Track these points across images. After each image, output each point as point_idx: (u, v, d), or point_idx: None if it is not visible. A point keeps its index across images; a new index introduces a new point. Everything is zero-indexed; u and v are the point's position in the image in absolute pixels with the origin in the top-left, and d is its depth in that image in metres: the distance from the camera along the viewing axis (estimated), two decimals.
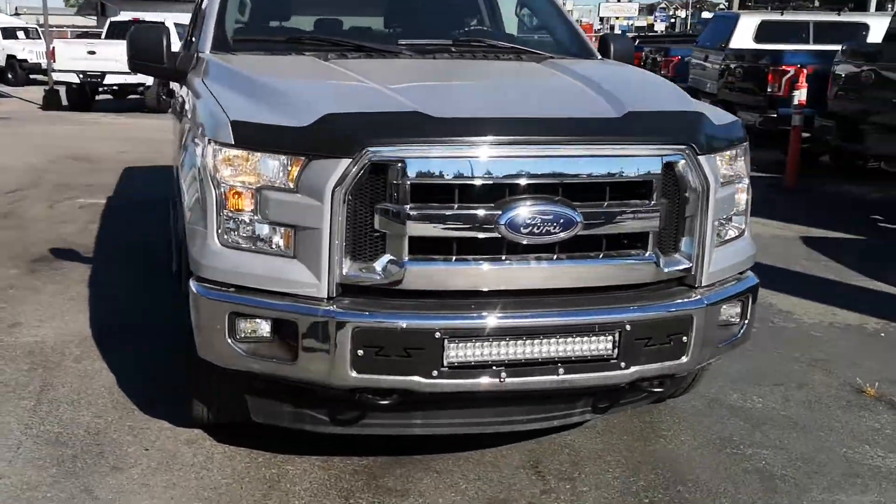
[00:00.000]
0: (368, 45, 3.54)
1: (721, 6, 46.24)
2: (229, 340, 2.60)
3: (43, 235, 5.99)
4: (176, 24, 17.01)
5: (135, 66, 3.78)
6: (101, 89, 16.04)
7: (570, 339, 2.57)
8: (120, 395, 3.44)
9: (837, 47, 9.03)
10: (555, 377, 2.58)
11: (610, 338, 2.60)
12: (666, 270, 2.70)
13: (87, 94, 15.98)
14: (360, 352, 2.47)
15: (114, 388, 3.51)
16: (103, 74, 15.39)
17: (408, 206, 2.45)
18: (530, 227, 2.50)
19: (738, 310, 2.91)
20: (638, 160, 2.62)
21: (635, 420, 3.40)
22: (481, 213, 2.48)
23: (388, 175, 2.46)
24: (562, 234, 2.53)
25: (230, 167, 2.60)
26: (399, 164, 2.44)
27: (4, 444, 3.03)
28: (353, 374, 2.49)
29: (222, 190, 2.61)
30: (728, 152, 2.86)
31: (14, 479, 2.81)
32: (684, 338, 2.70)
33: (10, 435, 3.09)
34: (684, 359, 2.72)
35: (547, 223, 2.51)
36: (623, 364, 2.62)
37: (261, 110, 2.67)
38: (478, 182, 2.49)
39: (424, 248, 2.50)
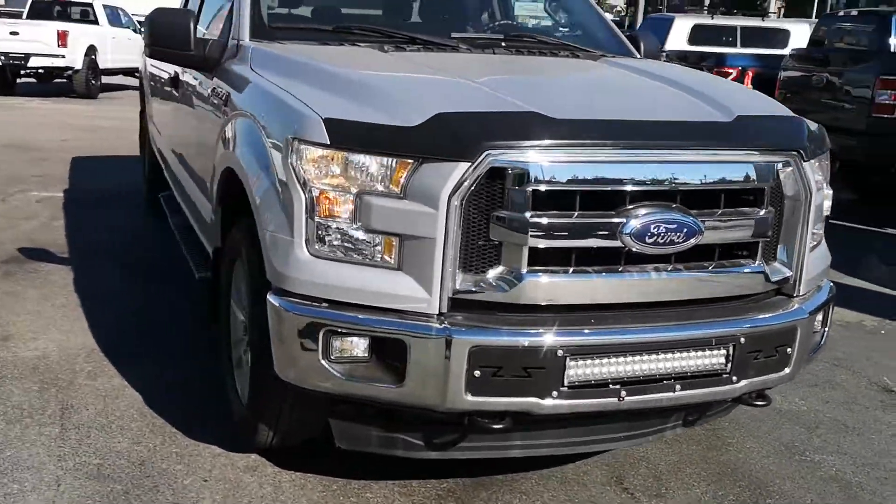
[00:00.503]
0: (424, 38, 3.30)
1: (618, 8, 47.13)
2: (323, 361, 2.35)
3: (4, 234, 5.49)
4: (105, 7, 16.21)
5: (154, 53, 3.45)
6: (23, 72, 15.04)
7: (686, 354, 2.43)
8: (154, 417, 3.13)
9: (764, 51, 9.35)
10: (671, 394, 2.44)
11: (724, 351, 2.47)
12: (773, 280, 2.60)
13: (8, 78, 14.95)
14: (477, 373, 2.26)
15: (143, 408, 3.19)
16: (27, 56, 14.41)
17: (529, 214, 2.25)
18: (654, 237, 2.34)
19: (821, 317, 2.84)
20: (750, 166, 2.50)
21: (697, 428, 3.31)
22: (605, 221, 2.32)
23: (507, 180, 2.25)
24: (684, 244, 2.38)
25: (322, 169, 2.35)
26: (520, 169, 2.25)
27: (41, 481, 2.68)
28: (469, 397, 2.28)
29: (313, 194, 2.35)
30: (822, 158, 2.78)
31: None
32: (789, 349, 2.60)
33: (45, 469, 2.75)
34: (787, 370, 2.62)
35: (670, 232, 2.36)
36: (735, 378, 2.50)
37: (353, 107, 2.42)
38: (601, 188, 2.32)
39: (542, 260, 2.32)
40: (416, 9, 3.97)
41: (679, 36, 12.78)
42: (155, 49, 3.41)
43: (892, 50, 10.74)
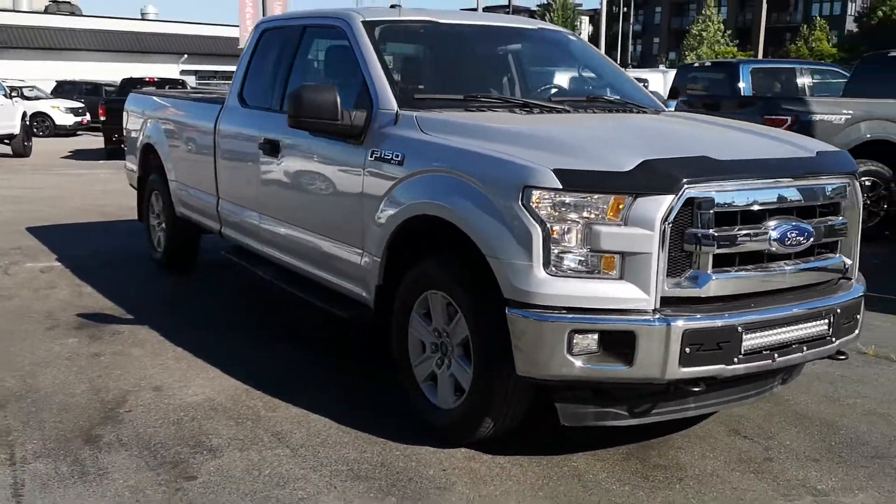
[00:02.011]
0: (535, 102, 4.12)
1: None
2: (567, 356, 3.08)
3: (43, 304, 5.68)
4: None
5: (300, 124, 4.03)
6: None
7: (808, 324, 3.36)
8: (357, 432, 3.67)
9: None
10: (801, 354, 3.36)
11: (827, 320, 3.42)
12: (845, 268, 3.60)
13: None
14: (687, 349, 3.08)
15: (341, 426, 3.72)
16: None
17: (712, 230, 3.11)
18: (788, 240, 3.27)
19: None
20: (832, 186, 3.50)
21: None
22: (758, 231, 3.22)
23: (695, 206, 3.10)
24: (804, 244, 3.33)
25: (556, 207, 3.09)
26: (706, 197, 3.11)
27: (318, 487, 3.21)
28: (681, 368, 3.09)
29: (548, 226, 3.09)
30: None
31: None
32: (858, 316, 3.60)
33: (310, 479, 3.26)
34: (856, 331, 3.63)
35: (798, 236, 3.29)
36: (833, 339, 3.47)
37: (566, 158, 3.18)
38: (755, 208, 3.22)
39: (719, 263, 3.18)
40: (504, 80, 4.81)
41: None
42: (301, 120, 4.00)
43: (741, 94, 12.64)
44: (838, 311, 3.45)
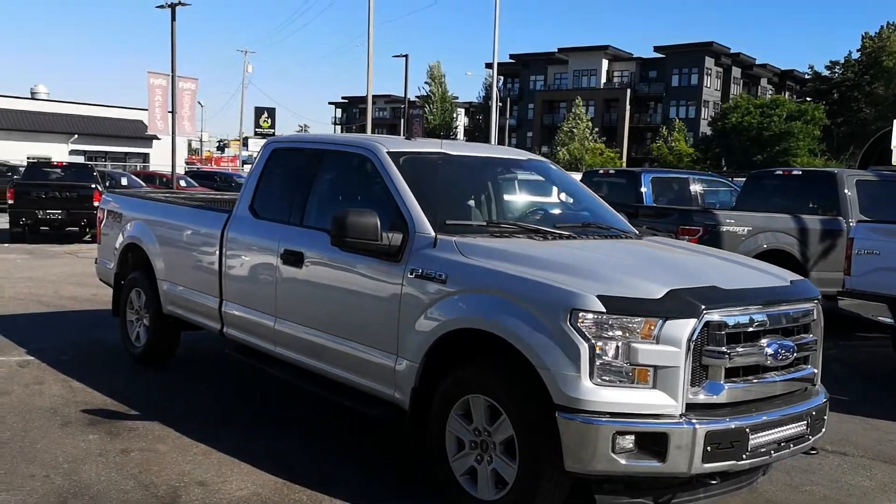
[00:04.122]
0: (546, 230, 4.77)
1: None
2: (611, 454, 3.65)
3: (41, 401, 5.77)
4: None
5: (343, 243, 4.52)
6: None
7: (794, 425, 4.07)
8: None
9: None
10: (789, 450, 4.06)
11: (806, 422, 4.14)
12: (813, 377, 4.34)
13: None
14: (709, 448, 3.70)
15: None
16: None
17: (724, 347, 3.79)
18: (779, 355, 3.99)
19: None
20: (805, 309, 4.27)
21: None
22: (758, 347, 3.92)
23: (710, 327, 3.78)
24: (789, 358, 4.05)
25: (599, 327, 3.70)
26: (719, 320, 3.79)
27: None
28: (704, 464, 3.71)
29: (591, 343, 3.69)
30: None
31: None
32: (825, 417, 4.35)
33: None
34: (824, 430, 4.36)
35: (785, 351, 4.02)
36: (810, 437, 4.18)
37: (602, 285, 3.81)
38: (753, 329, 3.93)
39: (728, 374, 3.85)
40: (511, 206, 5.48)
41: None
42: (346, 240, 4.48)
43: (645, 202, 13.83)
44: (813, 413, 4.18)
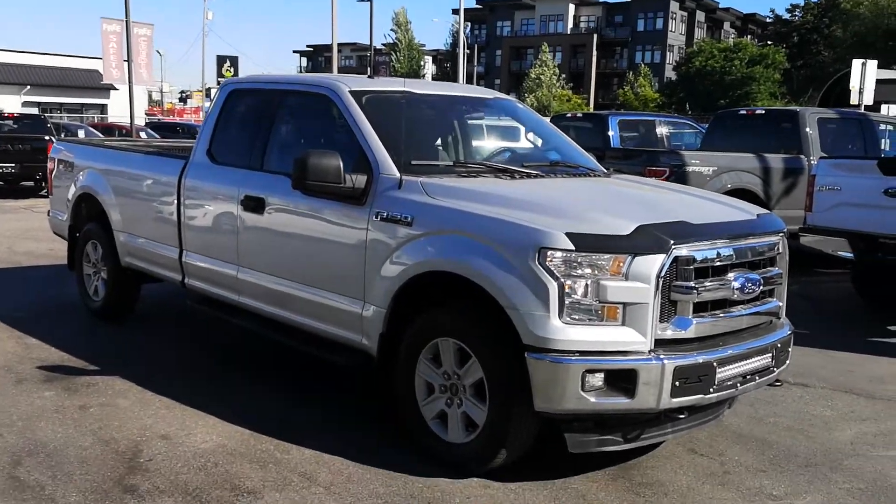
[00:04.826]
0: (514, 168, 4.67)
1: None
2: (581, 392, 3.62)
3: None
4: None
5: (305, 187, 4.39)
6: None
7: (759, 358, 4.07)
8: (374, 469, 4.02)
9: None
10: (754, 383, 4.07)
11: (771, 354, 4.15)
12: (778, 309, 4.35)
13: None
14: (677, 383, 3.69)
15: (359, 465, 4.06)
16: None
17: (693, 282, 3.76)
18: (746, 289, 3.97)
19: None
20: (771, 242, 4.25)
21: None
22: (725, 282, 3.89)
23: (679, 262, 3.74)
24: (756, 291, 4.04)
25: (570, 265, 3.64)
26: (688, 256, 3.75)
27: None
28: (672, 399, 3.70)
29: (561, 281, 3.63)
30: None
31: None
32: (789, 349, 4.37)
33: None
34: (788, 363, 4.38)
35: (752, 285, 4.00)
36: (775, 370, 4.20)
37: (572, 223, 3.74)
38: (721, 263, 3.90)
39: (696, 309, 3.82)
40: (477, 146, 5.36)
41: None
42: (306, 182, 4.35)
43: (612, 144, 13.84)
44: (778, 346, 4.19)
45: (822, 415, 5.13)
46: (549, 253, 3.65)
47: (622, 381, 3.67)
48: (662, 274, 3.68)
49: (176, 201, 5.69)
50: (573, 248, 3.64)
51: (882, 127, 11.73)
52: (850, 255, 8.08)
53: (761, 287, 4.08)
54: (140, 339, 6.28)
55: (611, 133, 14.15)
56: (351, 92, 4.82)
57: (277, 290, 4.94)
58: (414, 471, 4.01)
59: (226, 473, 3.92)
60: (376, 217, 4.31)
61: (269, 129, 5.22)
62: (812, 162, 10.03)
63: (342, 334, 4.58)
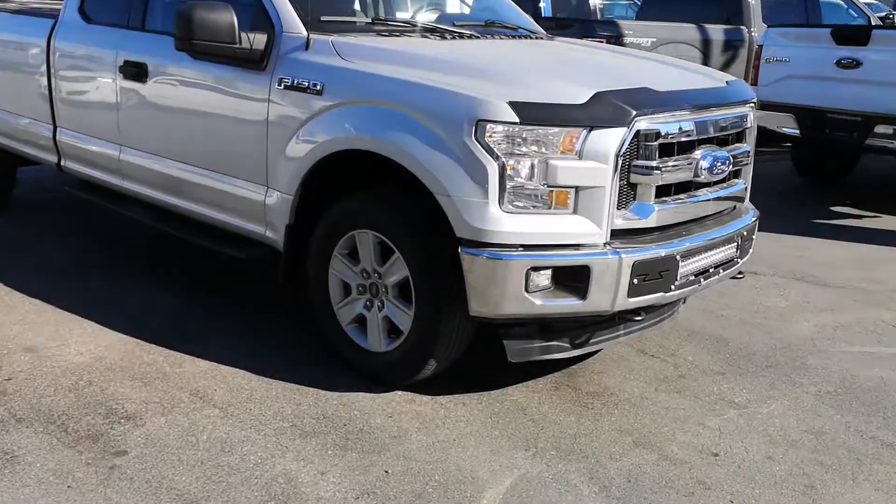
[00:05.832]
0: (445, 28, 3.93)
1: None
2: (525, 294, 3.05)
3: None
4: None
5: (191, 47, 3.59)
6: None
7: (724, 248, 3.56)
8: (280, 383, 3.45)
9: None
10: (717, 276, 3.56)
11: (736, 243, 3.65)
12: (744, 193, 3.82)
13: None
14: (636, 280, 3.15)
15: (261, 378, 3.48)
16: None
17: (656, 162, 3.16)
18: (714, 168, 3.40)
19: None
20: (741, 114, 3.66)
21: None
22: (691, 160, 3.31)
23: (640, 138, 3.13)
24: (725, 171, 3.48)
25: (513, 141, 2.99)
26: (653, 130, 3.14)
27: (270, 448, 2.99)
28: (629, 299, 3.16)
29: (502, 161, 2.99)
30: None
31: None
32: (753, 237, 3.87)
33: (265, 432, 3.03)
34: (751, 251, 3.90)
35: (720, 163, 3.43)
36: (738, 261, 3.71)
37: (516, 90, 3.07)
38: (688, 138, 3.31)
39: (659, 194, 3.25)
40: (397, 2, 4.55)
41: None
42: (193, 43, 3.54)
43: (542, 14, 13.04)
44: (744, 233, 3.68)
45: (777, 306, 4.73)
46: (487, 126, 2.99)
47: (573, 279, 3.10)
48: (622, 151, 3.07)
49: (46, 69, 4.78)
50: (517, 119, 2.98)
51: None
52: (795, 131, 7.65)
53: (730, 166, 3.53)
54: (11, 230, 5.43)
55: (542, 4, 13.37)
56: None
57: (166, 174, 4.18)
58: (328, 386, 3.44)
59: (101, 394, 3.27)
60: (279, 84, 3.55)
61: None
62: (753, 34, 9.51)
63: (242, 225, 3.89)
